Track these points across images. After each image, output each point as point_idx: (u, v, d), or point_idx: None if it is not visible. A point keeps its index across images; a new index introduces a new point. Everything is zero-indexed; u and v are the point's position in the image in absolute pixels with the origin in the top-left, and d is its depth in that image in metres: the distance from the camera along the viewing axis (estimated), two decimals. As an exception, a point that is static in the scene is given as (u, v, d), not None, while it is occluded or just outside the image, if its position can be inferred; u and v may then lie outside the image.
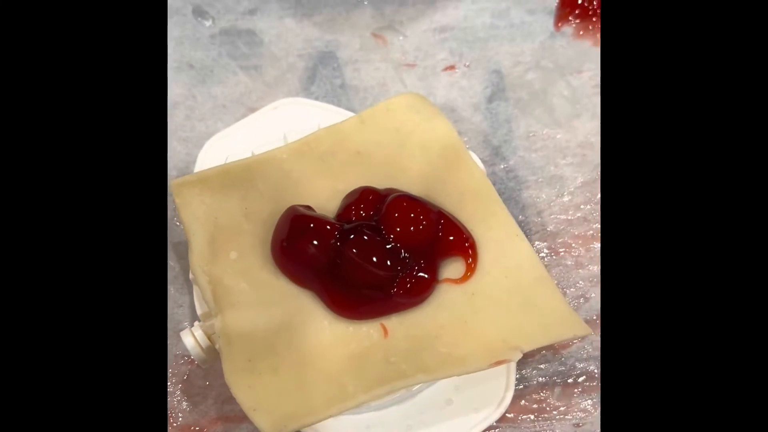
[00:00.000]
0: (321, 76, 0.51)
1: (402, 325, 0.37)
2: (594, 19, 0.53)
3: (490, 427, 0.39)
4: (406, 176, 0.41)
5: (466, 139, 0.49)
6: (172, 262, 0.44)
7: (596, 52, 0.52)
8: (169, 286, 0.43)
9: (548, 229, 0.46)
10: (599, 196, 0.46)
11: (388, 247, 0.37)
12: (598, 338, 0.42)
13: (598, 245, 0.45)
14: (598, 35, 0.52)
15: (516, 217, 0.40)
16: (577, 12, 0.53)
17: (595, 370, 0.41)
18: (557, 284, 0.39)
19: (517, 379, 0.41)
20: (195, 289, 0.40)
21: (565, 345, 0.42)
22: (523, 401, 0.41)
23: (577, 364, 0.42)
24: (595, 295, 0.44)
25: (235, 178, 0.40)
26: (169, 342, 0.42)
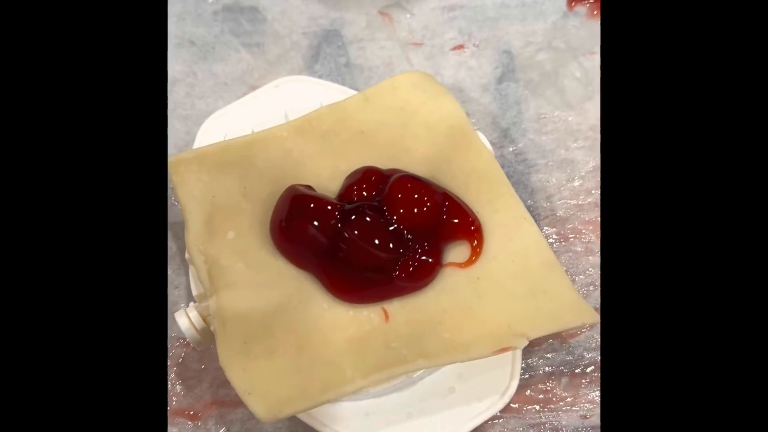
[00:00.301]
0: (325, 54, 0.50)
1: (404, 309, 0.36)
2: None
3: (494, 417, 0.38)
4: (411, 156, 0.40)
5: (474, 120, 0.48)
6: (168, 242, 0.43)
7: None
8: (165, 267, 0.43)
9: (558, 214, 0.45)
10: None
11: (390, 228, 0.36)
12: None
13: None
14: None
15: (524, 202, 0.39)
16: (591, -8, 0.52)
17: (604, 360, 0.40)
18: (566, 271, 0.38)
19: (522, 368, 0.40)
20: (191, 269, 0.39)
21: (573, 334, 0.41)
22: (528, 391, 0.40)
23: (585, 353, 0.41)
24: (605, 282, 0.42)
25: (234, 155, 0.39)
26: (163, 324, 0.41)
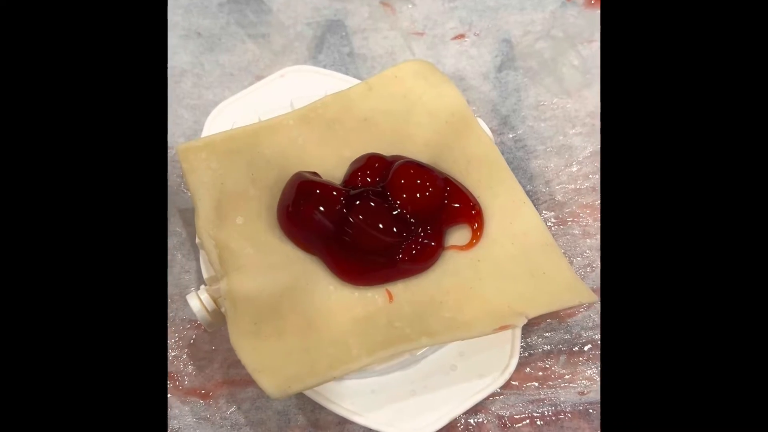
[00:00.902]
0: (329, 44, 0.51)
1: (407, 290, 0.37)
2: (606, -12, 0.52)
3: (495, 394, 0.39)
4: (413, 143, 0.41)
5: (474, 108, 0.49)
6: (178, 228, 0.44)
7: (608, 21, 0.51)
8: (175, 253, 0.43)
9: (556, 198, 0.46)
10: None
11: (394, 213, 0.37)
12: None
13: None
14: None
15: (524, 187, 0.40)
16: (589, -19, 0.52)
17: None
18: (564, 253, 0.39)
19: (522, 347, 0.41)
20: (201, 253, 0.40)
21: (570, 313, 0.42)
22: (528, 369, 0.41)
23: (582, 332, 0.42)
24: (603, 264, 0.43)
25: (242, 143, 0.40)
26: (175, 306, 0.42)
